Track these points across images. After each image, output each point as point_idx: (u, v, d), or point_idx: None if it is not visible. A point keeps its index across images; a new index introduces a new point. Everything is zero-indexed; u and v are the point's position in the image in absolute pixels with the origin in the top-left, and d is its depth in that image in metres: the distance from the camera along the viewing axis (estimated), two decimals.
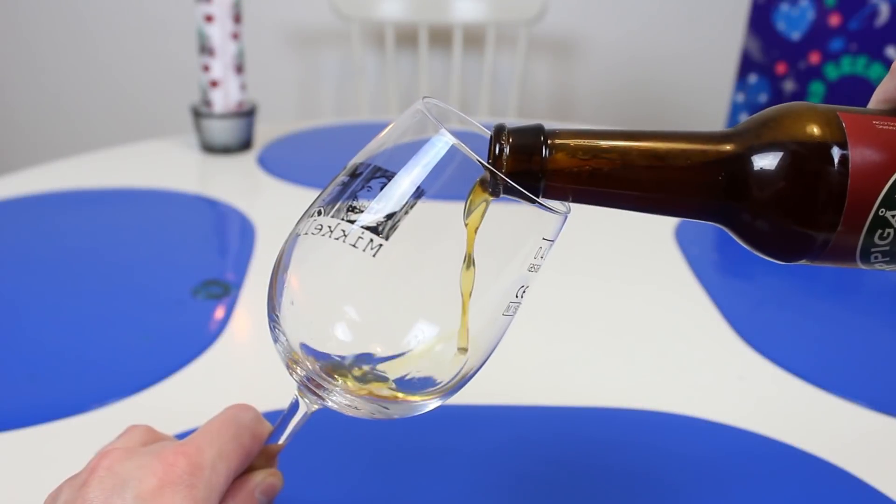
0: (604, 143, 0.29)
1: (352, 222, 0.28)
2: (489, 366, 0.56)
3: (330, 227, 0.28)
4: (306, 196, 0.48)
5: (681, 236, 0.80)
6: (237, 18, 1.00)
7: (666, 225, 0.83)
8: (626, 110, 1.92)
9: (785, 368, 0.57)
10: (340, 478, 0.44)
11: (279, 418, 0.33)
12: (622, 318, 0.65)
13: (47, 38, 1.98)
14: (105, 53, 1.97)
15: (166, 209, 0.85)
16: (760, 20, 1.34)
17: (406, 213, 0.28)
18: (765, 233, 0.29)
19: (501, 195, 0.29)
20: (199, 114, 1.01)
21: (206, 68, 1.00)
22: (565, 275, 0.73)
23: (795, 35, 1.30)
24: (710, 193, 0.29)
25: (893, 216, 0.28)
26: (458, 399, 0.52)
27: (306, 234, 0.29)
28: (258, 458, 0.32)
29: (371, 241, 0.28)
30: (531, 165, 0.29)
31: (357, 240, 0.28)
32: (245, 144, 1.03)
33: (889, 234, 0.28)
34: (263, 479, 0.32)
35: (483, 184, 0.29)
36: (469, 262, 0.29)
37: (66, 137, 2.07)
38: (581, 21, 1.84)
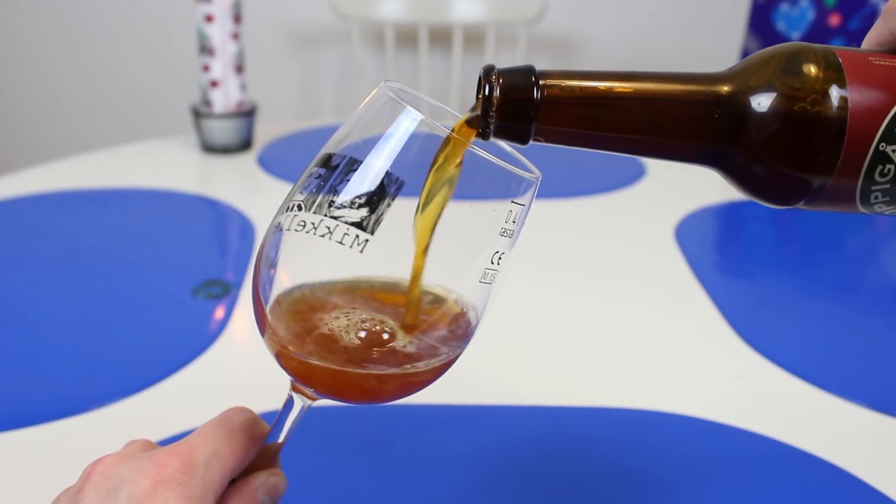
0: (597, 83, 0.28)
1: (335, 218, 0.28)
2: (489, 366, 0.56)
3: (314, 223, 0.28)
4: None
5: (681, 236, 0.80)
6: (237, 18, 1.00)
7: (666, 225, 0.83)
8: None
9: (785, 368, 0.57)
10: (339, 477, 0.44)
11: (276, 416, 0.33)
12: (622, 318, 0.65)
13: (47, 37, 1.98)
14: (105, 53, 1.97)
15: (166, 209, 0.85)
16: (760, 20, 1.34)
17: (388, 206, 0.28)
18: (762, 175, 0.28)
19: (491, 138, 0.28)
20: (199, 114, 1.01)
21: (206, 68, 1.00)
22: (565, 275, 0.73)
23: (795, 35, 1.30)
24: (705, 134, 0.28)
25: (894, 150, 0.28)
26: (459, 399, 0.52)
27: (289, 230, 0.29)
28: (259, 459, 0.32)
29: (357, 237, 0.28)
30: (522, 106, 0.28)
31: (343, 236, 0.28)
32: (245, 144, 1.03)
33: (889, 170, 0.28)
34: (265, 479, 0.32)
35: (470, 124, 0.28)
36: (426, 203, 0.28)
37: (66, 137, 2.07)
38: (581, 21, 1.84)
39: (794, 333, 0.63)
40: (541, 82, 0.28)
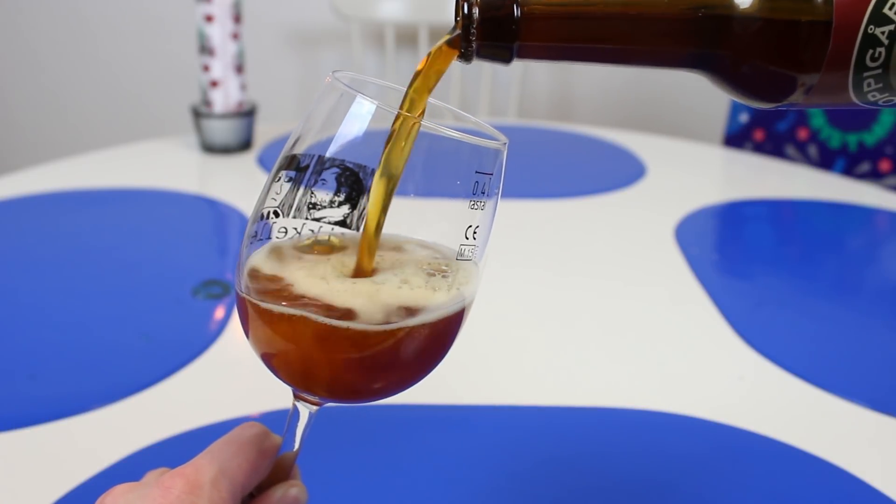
0: None
1: (317, 220, 0.28)
2: (488, 366, 0.56)
3: (296, 228, 0.28)
4: None
5: (681, 236, 0.80)
6: (237, 18, 1.00)
7: (666, 225, 0.83)
8: (626, 110, 1.92)
9: (785, 368, 0.57)
10: (338, 479, 0.44)
11: (285, 427, 0.32)
12: (622, 318, 0.65)
13: (47, 37, 1.98)
14: (105, 53, 1.97)
15: (166, 209, 0.85)
16: None
17: (367, 199, 0.28)
18: (752, 74, 0.28)
19: (473, 59, 0.28)
20: (199, 114, 1.01)
21: (206, 68, 1.00)
22: (565, 275, 0.73)
23: None
24: (690, 35, 0.28)
25: (883, 32, 0.27)
26: (458, 399, 0.52)
27: (270, 238, 0.29)
28: (277, 472, 0.32)
29: (343, 235, 0.27)
30: (503, 22, 0.27)
31: (329, 238, 0.28)
32: (245, 144, 1.03)
33: (880, 53, 0.27)
34: (284, 492, 0.31)
35: (451, 45, 0.27)
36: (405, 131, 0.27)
37: (66, 137, 2.07)
38: None
39: (794, 333, 0.63)
40: None
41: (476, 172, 0.28)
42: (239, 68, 1.02)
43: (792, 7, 0.27)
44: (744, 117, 1.38)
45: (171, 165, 0.99)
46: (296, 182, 0.28)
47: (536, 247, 0.78)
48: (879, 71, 0.27)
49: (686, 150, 1.16)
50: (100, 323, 0.60)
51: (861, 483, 0.45)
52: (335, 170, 0.28)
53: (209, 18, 0.98)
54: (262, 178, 0.95)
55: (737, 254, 0.82)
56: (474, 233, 0.29)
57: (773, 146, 1.36)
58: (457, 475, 0.45)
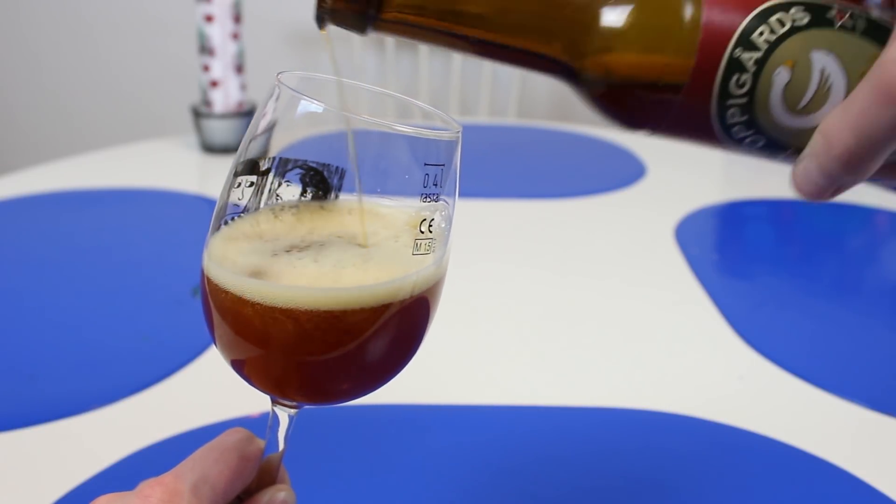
0: None
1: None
2: (487, 366, 0.56)
3: None
4: None
5: (681, 236, 0.80)
6: (237, 18, 1.00)
7: (666, 225, 0.83)
8: None
9: (785, 368, 0.57)
10: (328, 481, 0.44)
11: (267, 431, 0.32)
12: (622, 318, 0.65)
13: (47, 38, 1.98)
14: (105, 53, 1.97)
15: (166, 209, 0.85)
16: None
17: (336, 196, 0.28)
18: (611, 92, 0.26)
19: (329, 23, 0.27)
20: (199, 114, 1.01)
21: (206, 68, 1.00)
22: (565, 275, 0.73)
23: None
24: (553, 40, 0.26)
25: (749, 59, 0.25)
26: (458, 399, 0.52)
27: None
28: (262, 477, 0.32)
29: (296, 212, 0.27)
30: None
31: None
32: None
33: (745, 81, 0.25)
34: (271, 497, 0.31)
35: (319, 20, 0.27)
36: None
37: (66, 137, 2.07)
38: None
39: (794, 333, 0.63)
40: None
41: (425, 165, 0.28)
42: (239, 68, 1.02)
43: (654, 21, 0.26)
44: None
45: (171, 165, 0.99)
46: (258, 186, 0.28)
47: (536, 247, 0.78)
48: (745, 100, 0.26)
49: (686, 150, 1.16)
50: (99, 323, 0.60)
51: (861, 483, 0.45)
52: (298, 170, 0.28)
53: (209, 18, 0.98)
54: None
55: (737, 254, 0.82)
56: (429, 226, 0.28)
57: None
58: (455, 475, 0.45)
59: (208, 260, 0.29)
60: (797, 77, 0.26)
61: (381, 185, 0.29)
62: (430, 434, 0.48)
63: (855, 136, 0.25)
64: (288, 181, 0.28)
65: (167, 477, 0.28)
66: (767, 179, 1.06)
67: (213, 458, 0.29)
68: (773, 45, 0.25)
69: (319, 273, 0.28)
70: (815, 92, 0.26)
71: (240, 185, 0.28)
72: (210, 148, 1.02)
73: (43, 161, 1.02)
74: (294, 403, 0.31)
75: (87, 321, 0.60)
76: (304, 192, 0.28)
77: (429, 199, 0.28)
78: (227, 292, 0.28)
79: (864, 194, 0.97)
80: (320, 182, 0.28)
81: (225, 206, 0.29)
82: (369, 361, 0.29)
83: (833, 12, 0.26)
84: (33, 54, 2.00)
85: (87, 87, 2.02)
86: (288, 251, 0.28)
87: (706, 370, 0.57)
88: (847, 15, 0.26)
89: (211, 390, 0.52)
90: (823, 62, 0.26)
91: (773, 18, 0.25)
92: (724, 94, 0.26)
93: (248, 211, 0.28)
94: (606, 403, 0.52)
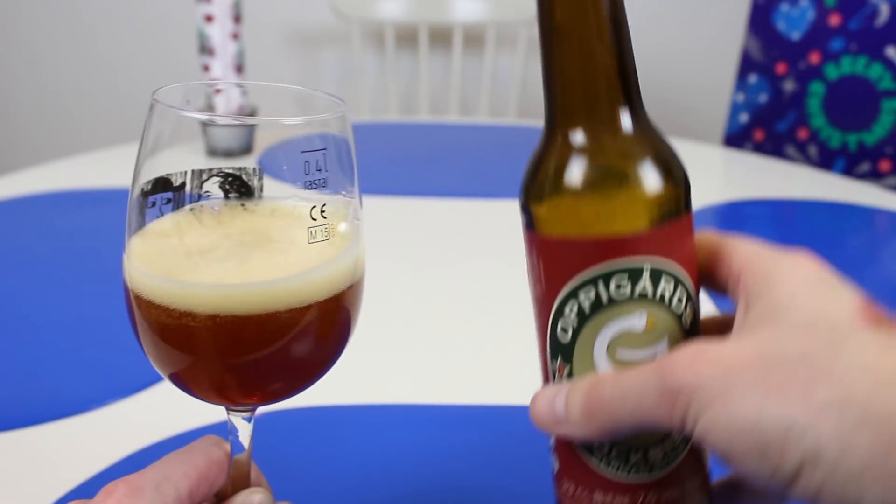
0: None
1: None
2: (487, 366, 0.56)
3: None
4: None
5: None
6: (237, 18, 1.00)
7: None
8: None
9: None
10: (326, 481, 0.44)
11: (228, 437, 0.33)
12: None
13: (47, 37, 1.98)
14: (105, 53, 1.97)
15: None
16: (760, 20, 1.34)
17: (261, 198, 0.29)
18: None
19: None
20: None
21: (206, 68, 1.00)
22: None
23: (795, 35, 1.30)
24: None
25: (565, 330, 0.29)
26: (457, 399, 0.52)
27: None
28: (236, 482, 0.32)
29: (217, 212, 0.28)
30: None
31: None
32: (246, 149, 1.03)
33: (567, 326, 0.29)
34: (244, 500, 0.32)
35: None
36: None
37: (66, 137, 2.07)
38: None
39: None
40: None
41: (302, 152, 0.28)
42: (239, 68, 1.02)
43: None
44: (744, 117, 1.38)
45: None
46: (177, 202, 0.28)
47: None
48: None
49: (686, 150, 1.16)
50: (100, 323, 0.60)
51: None
52: (216, 179, 0.28)
53: (209, 18, 0.98)
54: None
55: None
56: (322, 212, 0.28)
57: (773, 146, 1.36)
58: (453, 475, 0.45)
59: (126, 261, 0.29)
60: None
61: (280, 176, 0.29)
62: (428, 434, 0.48)
63: (615, 406, 0.26)
64: (208, 192, 0.28)
65: (132, 476, 0.29)
66: (767, 179, 1.06)
67: (179, 460, 0.30)
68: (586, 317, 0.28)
69: (224, 272, 0.28)
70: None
71: (154, 204, 0.28)
72: (212, 153, 1.02)
73: (43, 161, 1.02)
74: (240, 407, 0.31)
75: (87, 321, 0.60)
76: (227, 198, 0.28)
77: (314, 186, 0.28)
78: (133, 293, 0.29)
79: (864, 194, 0.97)
80: (242, 186, 0.28)
81: (139, 223, 0.29)
82: (287, 358, 0.29)
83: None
84: (33, 54, 2.00)
85: (87, 87, 2.02)
86: (201, 253, 0.28)
87: None
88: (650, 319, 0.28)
89: None
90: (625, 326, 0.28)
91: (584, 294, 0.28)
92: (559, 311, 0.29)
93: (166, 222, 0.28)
94: None
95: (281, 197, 0.30)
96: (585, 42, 0.28)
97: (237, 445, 0.32)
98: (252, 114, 1.05)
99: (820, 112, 1.30)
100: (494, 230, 0.82)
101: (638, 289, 0.27)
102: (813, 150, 1.32)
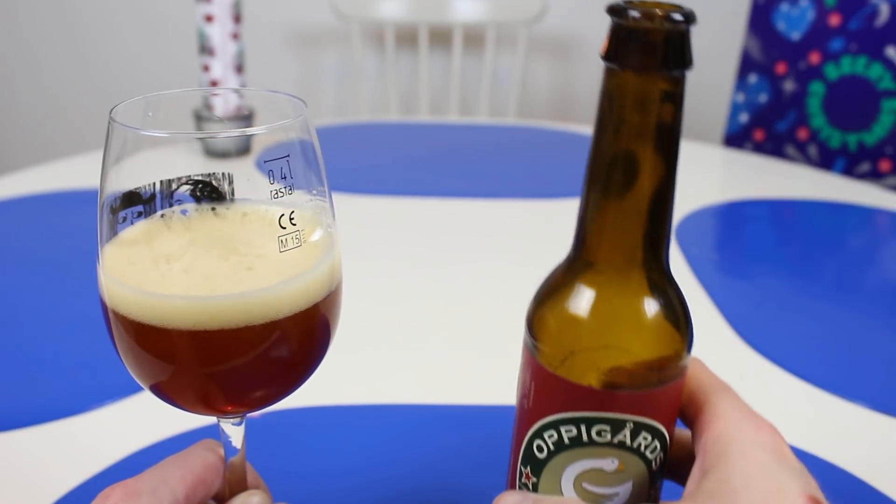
0: None
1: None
2: (486, 366, 0.56)
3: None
4: None
5: (681, 236, 0.80)
6: (237, 18, 1.00)
7: None
8: None
9: (785, 368, 0.57)
10: (321, 480, 0.44)
11: (221, 440, 0.33)
12: None
13: (47, 37, 1.98)
14: (105, 53, 1.97)
15: None
16: (760, 20, 1.34)
17: (233, 201, 0.28)
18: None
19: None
20: (200, 117, 1.01)
21: (206, 68, 1.00)
22: None
23: (795, 35, 1.30)
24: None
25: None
26: (456, 399, 0.52)
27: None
28: (234, 485, 0.33)
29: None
30: None
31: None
32: (244, 150, 1.03)
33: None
34: (243, 501, 0.32)
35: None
36: None
37: (66, 137, 2.07)
38: (581, 21, 1.84)
39: (794, 333, 0.63)
40: None
41: (265, 162, 0.28)
42: (239, 68, 1.02)
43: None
44: (744, 117, 1.38)
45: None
46: (148, 214, 0.28)
47: (537, 246, 0.78)
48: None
49: (686, 150, 1.16)
50: (99, 323, 0.60)
51: (861, 483, 0.45)
52: (186, 186, 0.28)
53: (209, 18, 0.98)
54: (263, 180, 0.94)
55: (737, 254, 0.82)
56: (291, 220, 0.28)
57: (773, 146, 1.36)
58: (453, 474, 0.45)
59: (100, 271, 0.29)
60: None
61: (252, 190, 0.29)
62: (426, 434, 0.48)
63: None
64: (179, 200, 0.28)
65: (128, 480, 0.29)
66: (767, 179, 1.06)
67: (176, 464, 0.30)
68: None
69: (190, 285, 0.27)
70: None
71: (126, 219, 0.28)
72: (210, 153, 1.02)
73: (43, 161, 1.02)
74: (239, 416, 0.31)
75: (87, 321, 0.60)
76: (199, 204, 0.28)
77: (280, 195, 0.28)
78: (108, 305, 0.29)
79: (864, 194, 0.97)
80: (213, 191, 0.28)
81: (109, 237, 0.29)
82: (266, 368, 0.29)
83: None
84: (33, 54, 2.00)
85: (86, 88, 2.02)
86: (168, 262, 0.28)
87: None
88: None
89: None
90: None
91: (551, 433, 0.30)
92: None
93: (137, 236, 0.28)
94: None
95: (253, 200, 0.29)
96: (639, 204, 0.30)
97: (230, 449, 0.32)
98: (250, 115, 1.05)
99: (820, 112, 1.30)
100: (494, 230, 0.82)
101: (618, 438, 0.29)
102: (813, 150, 1.32)
